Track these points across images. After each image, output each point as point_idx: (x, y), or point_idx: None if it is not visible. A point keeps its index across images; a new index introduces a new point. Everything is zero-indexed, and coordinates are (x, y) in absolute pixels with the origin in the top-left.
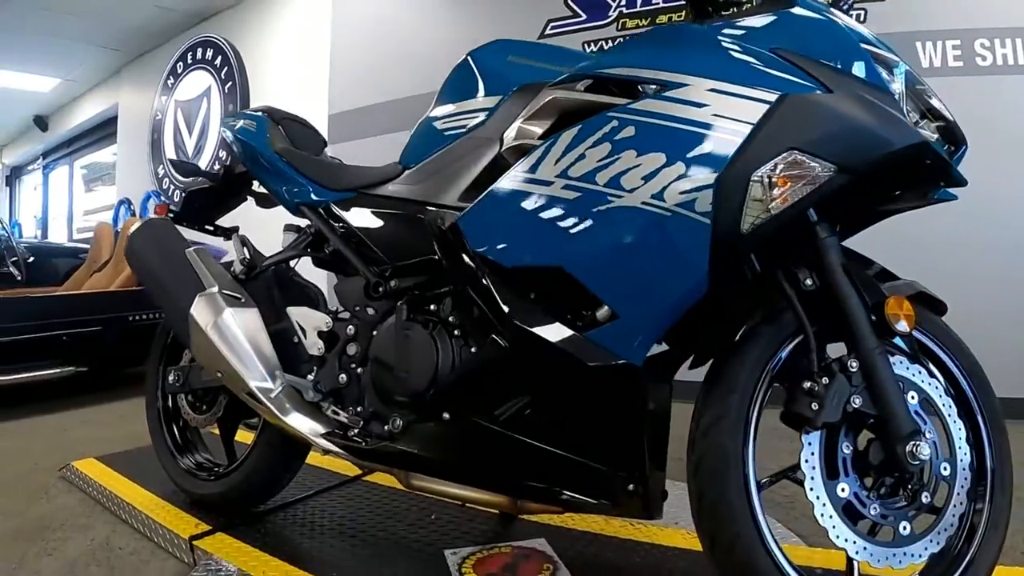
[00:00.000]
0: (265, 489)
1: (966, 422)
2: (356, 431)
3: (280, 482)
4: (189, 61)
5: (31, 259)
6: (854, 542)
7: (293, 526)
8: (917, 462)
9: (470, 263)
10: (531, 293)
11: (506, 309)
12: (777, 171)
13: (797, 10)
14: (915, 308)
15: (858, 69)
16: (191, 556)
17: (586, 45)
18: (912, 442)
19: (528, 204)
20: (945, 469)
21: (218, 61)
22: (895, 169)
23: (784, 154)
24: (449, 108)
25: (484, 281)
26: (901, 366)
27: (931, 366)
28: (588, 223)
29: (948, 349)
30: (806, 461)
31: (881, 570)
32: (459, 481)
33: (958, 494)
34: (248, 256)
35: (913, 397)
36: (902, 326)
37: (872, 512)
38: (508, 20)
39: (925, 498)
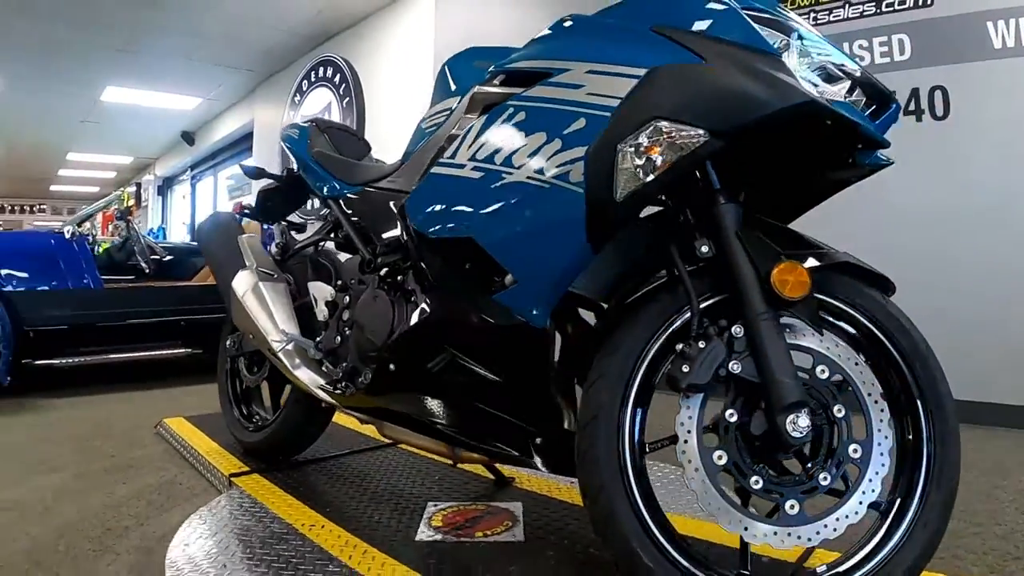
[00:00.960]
0: (295, 441)
1: (903, 407)
2: (341, 384)
3: (307, 435)
4: (312, 79)
5: (168, 257)
6: (727, 511)
7: (317, 475)
8: (798, 435)
9: (412, 237)
10: (453, 262)
11: (430, 276)
12: (644, 140)
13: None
14: (816, 278)
15: (737, 36)
16: (229, 490)
17: None
18: (793, 414)
19: (447, 185)
20: (856, 452)
21: (337, 78)
22: (796, 132)
23: (650, 123)
24: (431, 110)
25: (418, 253)
26: (813, 338)
27: (843, 341)
28: (489, 199)
29: (883, 326)
30: (681, 424)
31: (771, 549)
32: (412, 430)
33: (870, 480)
34: (284, 241)
35: (824, 372)
36: (791, 293)
37: (753, 484)
38: None
39: (824, 479)
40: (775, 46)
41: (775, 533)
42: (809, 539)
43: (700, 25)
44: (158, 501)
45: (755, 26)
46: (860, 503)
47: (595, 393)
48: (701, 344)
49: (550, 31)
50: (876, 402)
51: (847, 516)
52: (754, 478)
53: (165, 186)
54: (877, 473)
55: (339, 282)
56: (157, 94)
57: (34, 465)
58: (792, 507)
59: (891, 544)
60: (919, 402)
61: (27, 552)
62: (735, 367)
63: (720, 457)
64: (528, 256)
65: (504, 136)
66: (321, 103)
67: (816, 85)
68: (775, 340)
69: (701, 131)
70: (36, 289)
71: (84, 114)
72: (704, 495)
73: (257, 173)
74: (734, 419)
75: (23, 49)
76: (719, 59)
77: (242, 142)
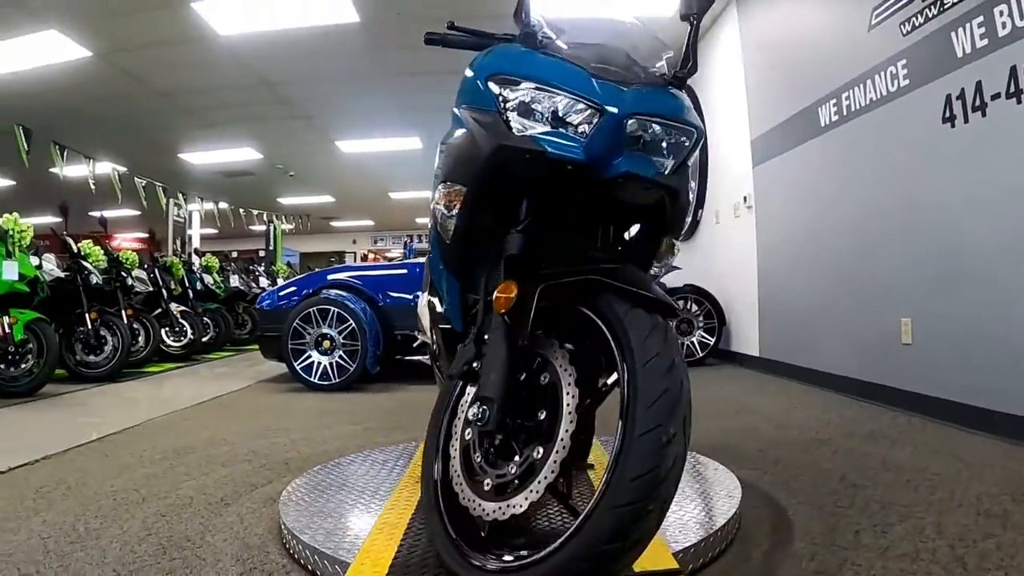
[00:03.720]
0: None
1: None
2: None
3: None
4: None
5: None
6: (461, 488)
7: None
8: (479, 423)
9: None
10: None
11: None
12: (444, 194)
13: (466, 72)
14: (520, 293)
15: (475, 100)
16: None
17: (902, 26)
18: (480, 404)
19: None
20: (538, 453)
21: None
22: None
23: (439, 185)
24: None
25: None
26: (544, 341)
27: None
28: None
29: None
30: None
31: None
32: None
33: (554, 462)
34: None
35: (537, 371)
36: (498, 308)
37: (477, 461)
38: None
39: (512, 469)
40: (498, 102)
41: (498, 508)
42: (520, 507)
43: (465, 98)
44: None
45: (489, 85)
46: (541, 484)
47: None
48: (462, 344)
49: None
50: (569, 390)
51: (535, 492)
52: (476, 455)
53: None
54: (557, 462)
55: None
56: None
57: (347, 420)
58: (487, 485)
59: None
60: (628, 409)
61: (299, 460)
62: (476, 365)
63: (467, 435)
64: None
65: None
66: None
67: (531, 128)
68: (497, 343)
69: (461, 186)
70: (402, 303)
71: (349, 162)
72: (456, 473)
73: None
74: (470, 407)
75: (434, 111)
76: (461, 125)
77: None
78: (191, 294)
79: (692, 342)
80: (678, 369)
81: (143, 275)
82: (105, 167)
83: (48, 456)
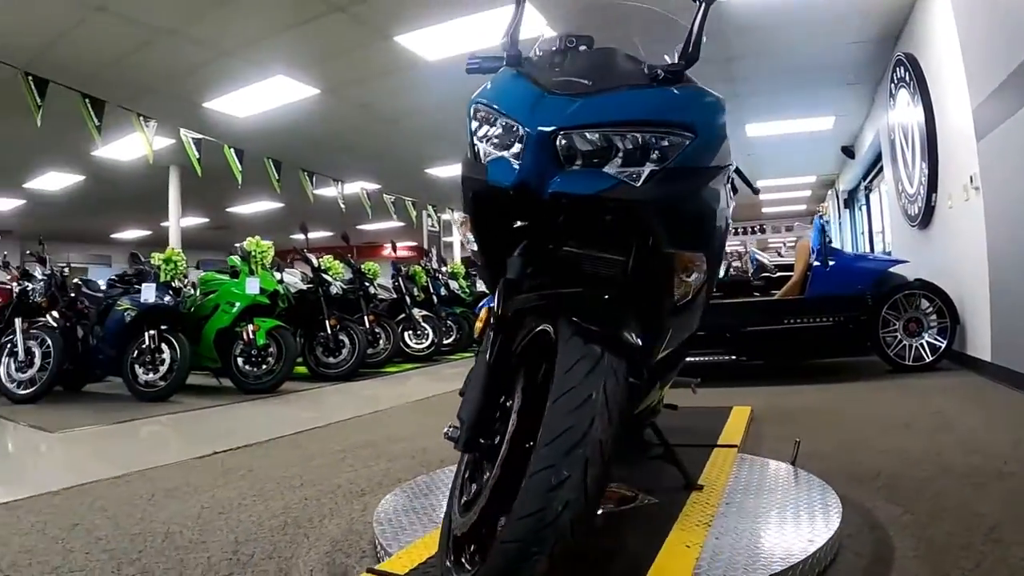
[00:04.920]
0: None
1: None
2: None
3: None
4: (894, 81)
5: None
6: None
7: None
8: (453, 442)
9: None
10: None
11: None
12: (462, 221)
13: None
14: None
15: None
16: None
17: None
18: (454, 425)
19: None
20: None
21: (907, 76)
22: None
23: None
24: None
25: None
26: None
27: None
28: None
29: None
30: None
31: None
32: None
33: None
34: None
35: None
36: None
37: (464, 476)
38: None
39: (474, 487)
40: (470, 132)
41: (462, 523)
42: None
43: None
44: None
45: (469, 115)
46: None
47: None
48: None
49: None
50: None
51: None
52: (465, 471)
53: (850, 199)
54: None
55: None
56: (789, 121)
57: None
58: (463, 500)
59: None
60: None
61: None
62: None
63: None
64: None
65: None
66: (903, 103)
67: (489, 156)
68: (478, 365)
69: (467, 215)
70: None
71: (744, 149)
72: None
73: None
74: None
75: None
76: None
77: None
78: (435, 299)
79: (922, 344)
80: (591, 406)
81: (388, 283)
82: (354, 187)
83: (250, 444)
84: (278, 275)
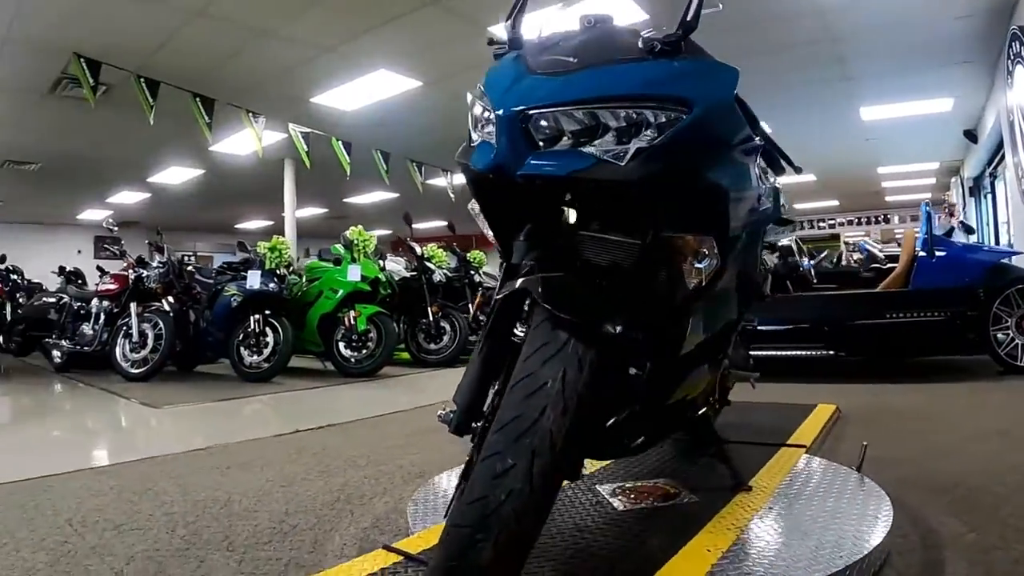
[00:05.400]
0: None
1: None
2: None
3: None
4: (1011, 58)
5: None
6: None
7: None
8: (447, 424)
9: None
10: None
11: None
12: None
13: None
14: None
15: None
16: None
17: None
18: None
19: None
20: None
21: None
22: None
23: None
24: None
25: None
26: None
27: None
28: None
29: None
30: None
31: None
32: None
33: None
34: None
35: None
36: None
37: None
38: None
39: None
40: (469, 117)
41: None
42: None
43: None
44: None
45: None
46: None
47: None
48: None
49: None
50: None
51: None
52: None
53: (975, 186)
54: None
55: None
56: (905, 104)
57: None
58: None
59: None
60: None
61: None
62: None
63: None
64: None
65: None
66: (1021, 82)
67: (477, 140)
68: (476, 349)
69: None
70: None
71: (861, 134)
72: None
73: None
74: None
75: (784, 91)
76: None
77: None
78: None
79: None
80: (544, 395)
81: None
82: (463, 177)
83: (332, 424)
84: (380, 263)
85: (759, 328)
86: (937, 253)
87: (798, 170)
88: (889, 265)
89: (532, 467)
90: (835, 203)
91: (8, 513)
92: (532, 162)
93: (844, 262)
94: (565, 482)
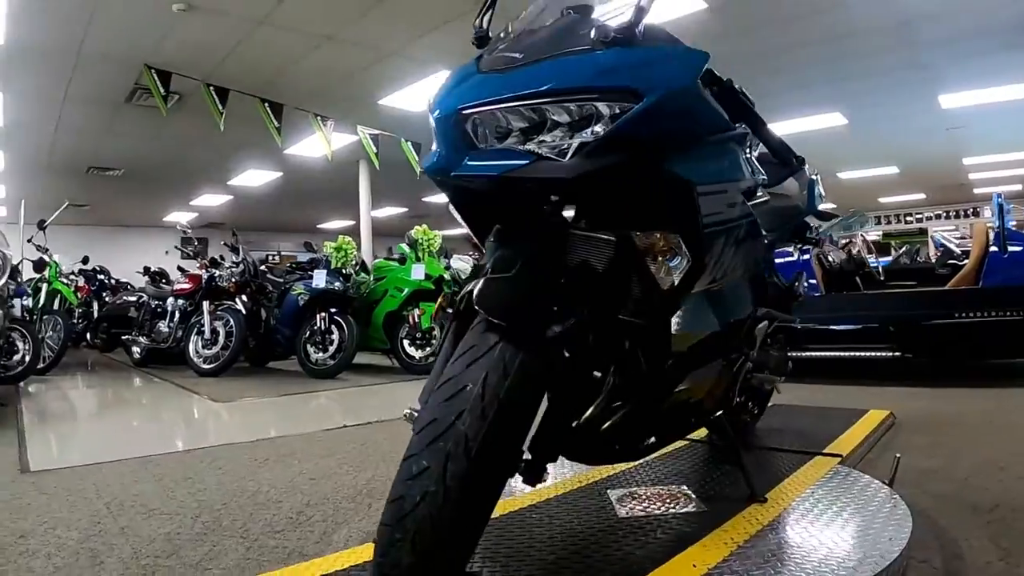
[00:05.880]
0: None
1: None
2: None
3: None
4: None
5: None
6: None
7: None
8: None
9: None
10: None
11: None
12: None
13: None
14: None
15: None
16: None
17: None
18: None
19: None
20: None
21: None
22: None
23: None
24: None
25: None
26: None
27: None
28: None
29: None
30: None
31: None
32: None
33: None
34: None
35: None
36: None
37: None
38: None
39: None
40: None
41: None
42: None
43: None
44: None
45: None
46: None
47: None
48: None
49: None
50: None
51: None
52: None
53: None
54: None
55: None
56: (988, 90)
57: None
58: None
59: None
60: None
61: None
62: None
63: None
64: None
65: None
66: None
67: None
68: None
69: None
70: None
71: (941, 123)
72: None
73: None
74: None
75: (862, 80)
76: None
77: None
78: None
79: None
80: (463, 398)
81: None
82: None
83: (381, 420)
84: (445, 261)
85: (829, 328)
86: (1010, 248)
87: (800, 161)
88: (964, 261)
89: (445, 471)
90: (921, 196)
91: (57, 495)
92: (467, 163)
93: (931, 258)
94: (574, 483)
